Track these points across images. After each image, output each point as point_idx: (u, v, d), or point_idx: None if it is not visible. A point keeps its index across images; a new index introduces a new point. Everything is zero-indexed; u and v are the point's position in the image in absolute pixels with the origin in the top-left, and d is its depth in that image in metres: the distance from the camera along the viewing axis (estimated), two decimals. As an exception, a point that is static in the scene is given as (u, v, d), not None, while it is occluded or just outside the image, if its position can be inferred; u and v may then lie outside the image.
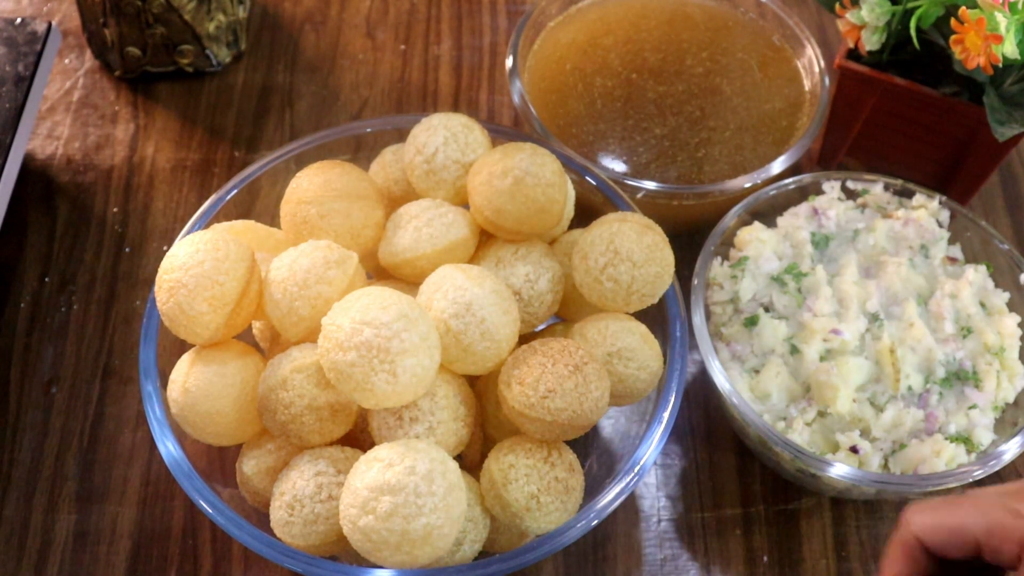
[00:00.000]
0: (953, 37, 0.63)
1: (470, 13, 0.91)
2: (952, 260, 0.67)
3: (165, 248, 0.75)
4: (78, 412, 0.68)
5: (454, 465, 0.49)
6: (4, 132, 0.70)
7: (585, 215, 0.62)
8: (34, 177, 0.79)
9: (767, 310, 0.65)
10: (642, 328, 0.57)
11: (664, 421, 0.55)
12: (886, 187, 0.70)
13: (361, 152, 0.67)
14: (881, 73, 0.71)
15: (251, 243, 0.58)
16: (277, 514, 0.52)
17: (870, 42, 0.69)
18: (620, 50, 0.78)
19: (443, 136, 0.59)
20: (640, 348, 0.56)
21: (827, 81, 0.75)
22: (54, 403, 0.68)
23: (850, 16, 0.69)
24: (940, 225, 0.69)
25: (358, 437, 0.57)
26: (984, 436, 0.60)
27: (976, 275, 0.66)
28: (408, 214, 0.58)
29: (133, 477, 0.65)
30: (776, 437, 0.58)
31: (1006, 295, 0.65)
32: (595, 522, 0.52)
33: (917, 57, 0.71)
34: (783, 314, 0.64)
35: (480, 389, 0.58)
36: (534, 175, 0.56)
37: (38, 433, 0.67)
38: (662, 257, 0.56)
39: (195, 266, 0.52)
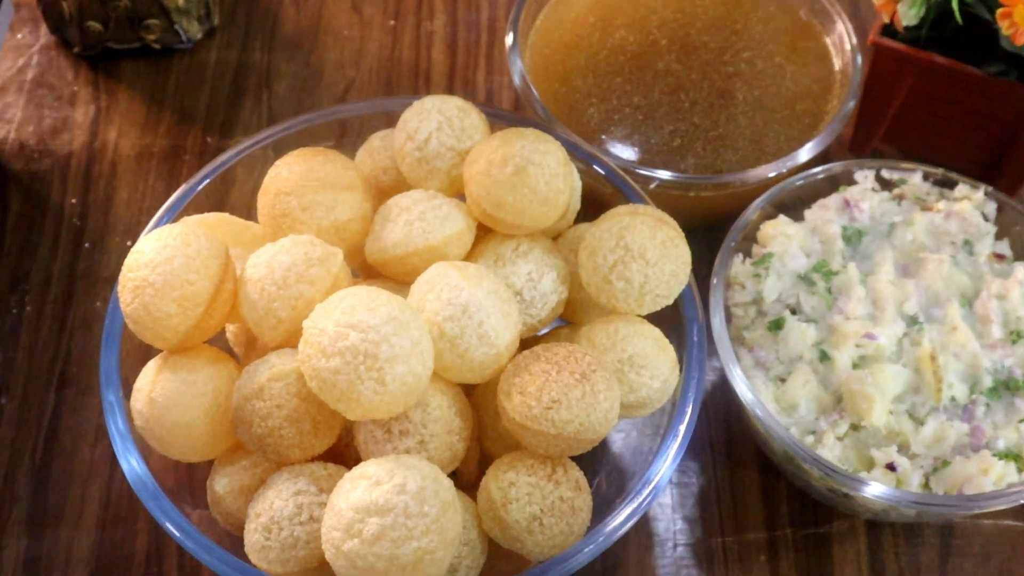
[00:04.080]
0: (1000, 11, 0.63)
1: (466, -16, 0.91)
2: (999, 257, 0.67)
3: (129, 243, 0.75)
4: (30, 425, 0.68)
5: (448, 483, 0.49)
6: (-49, 115, 0.70)
7: (593, 208, 0.63)
8: (-16, 165, 0.79)
9: (794, 312, 0.65)
10: (656, 332, 0.57)
11: (680, 435, 0.56)
12: (925, 176, 0.70)
13: (346, 138, 0.67)
14: (920, 51, 0.71)
15: (225, 238, 0.58)
16: (252, 538, 0.52)
17: (907, 16, 0.69)
18: (632, 24, 0.78)
19: (437, 121, 0.59)
20: (654, 354, 0.56)
21: (859, 60, 0.75)
22: (3, 415, 0.68)
23: (886, -12, 0.70)
24: (986, 218, 0.69)
25: (342, 452, 0.57)
26: (1035, 452, 0.60)
27: (1026, 274, 0.66)
28: (398, 206, 0.58)
29: (91, 497, 0.65)
30: (804, 453, 0.58)
31: (1058, 296, 0.65)
32: (604, 547, 0.52)
33: (960, 33, 0.71)
34: (811, 316, 0.64)
35: (477, 399, 0.58)
36: (537, 164, 0.56)
37: (-12, 448, 0.67)
38: (677, 254, 0.57)
39: (163, 263, 0.52)
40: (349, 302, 0.50)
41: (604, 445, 0.64)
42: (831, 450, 0.60)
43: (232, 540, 0.55)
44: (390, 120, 0.66)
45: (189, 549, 0.52)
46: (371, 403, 0.49)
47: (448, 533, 0.48)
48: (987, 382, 0.61)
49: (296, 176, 0.57)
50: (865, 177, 0.70)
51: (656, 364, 0.56)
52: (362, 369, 0.48)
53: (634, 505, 0.53)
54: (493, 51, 0.87)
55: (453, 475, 0.56)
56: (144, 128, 0.81)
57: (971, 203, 0.68)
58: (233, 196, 0.65)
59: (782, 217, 0.68)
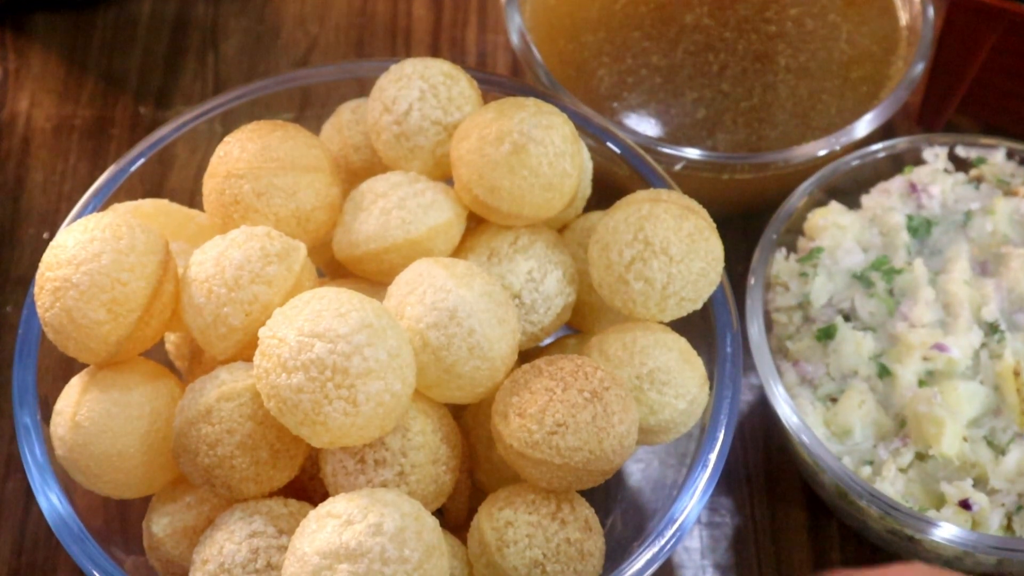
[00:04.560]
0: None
1: (453, -78, 0.92)
2: (1097, 253, 0.68)
3: (47, 236, 0.76)
4: (-70, 455, 0.68)
5: (433, 523, 0.50)
6: None
7: (606, 193, 0.63)
8: None
9: (847, 319, 0.65)
10: (681, 343, 0.58)
11: (710, 465, 0.56)
12: (1010, 154, 0.71)
13: (309, 110, 0.68)
14: (1005, 0, 0.71)
15: (164, 230, 0.58)
16: (198, 589, 0.53)
17: (988, -39, 0.70)
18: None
19: (419, 89, 0.60)
20: (678, 369, 0.56)
21: (931, 12, 0.76)
22: (-103, 443, 0.69)
23: (961, -73, 0.70)
24: (1082, 206, 0.70)
25: (306, 486, 0.58)
26: None
27: None
28: (373, 192, 0.59)
29: (1, 542, 0.66)
30: (860, 487, 0.59)
31: None
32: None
33: (1053, -20, 0.71)
34: (869, 324, 0.65)
35: (468, 423, 0.59)
36: (538, 141, 0.57)
37: None
38: (707, 249, 0.57)
39: (89, 260, 0.53)
40: (314, 307, 0.50)
41: (619, 477, 0.65)
42: (892, 484, 0.60)
43: (173, 592, 0.56)
44: (362, 88, 0.67)
45: (122, 602, 0.53)
46: (341, 427, 0.50)
47: (433, 582, 0.49)
48: (1080, 403, 0.62)
49: (249, 155, 0.58)
50: (936, 155, 0.71)
51: (681, 380, 0.56)
52: (330, 387, 0.49)
53: (655, 549, 0.54)
54: (486, 3, 0.88)
55: (439, 513, 0.57)
56: (63, 96, 0.82)
57: (1064, 187, 0.69)
58: (173, 179, 0.65)
59: (834, 204, 0.69)
